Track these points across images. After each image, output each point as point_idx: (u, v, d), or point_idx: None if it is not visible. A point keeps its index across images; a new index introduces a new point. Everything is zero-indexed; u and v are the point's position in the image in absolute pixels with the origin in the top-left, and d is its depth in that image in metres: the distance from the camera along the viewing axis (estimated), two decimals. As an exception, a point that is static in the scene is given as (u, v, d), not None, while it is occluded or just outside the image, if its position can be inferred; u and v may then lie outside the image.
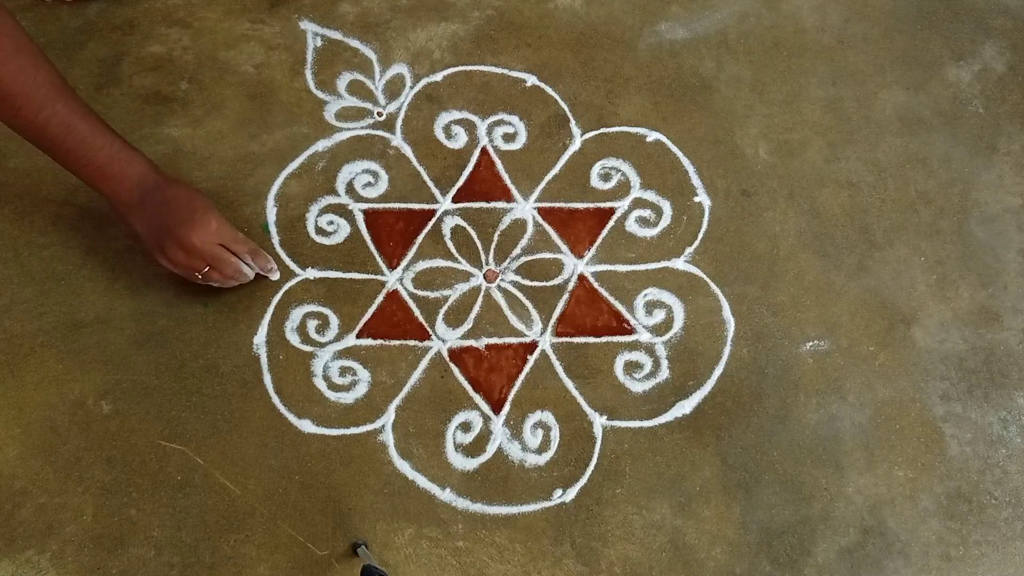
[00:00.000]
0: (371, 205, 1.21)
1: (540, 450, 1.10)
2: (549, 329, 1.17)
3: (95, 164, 0.93)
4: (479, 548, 1.05)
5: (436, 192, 1.23)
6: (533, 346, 1.16)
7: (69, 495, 1.02)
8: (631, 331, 1.17)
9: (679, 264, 1.22)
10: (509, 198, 1.24)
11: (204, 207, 1.03)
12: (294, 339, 1.13)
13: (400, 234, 1.20)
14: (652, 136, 1.29)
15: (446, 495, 1.07)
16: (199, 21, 1.30)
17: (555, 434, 1.11)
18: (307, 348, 1.12)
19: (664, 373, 1.15)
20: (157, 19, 1.29)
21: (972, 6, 1.44)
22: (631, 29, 1.36)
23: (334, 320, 1.14)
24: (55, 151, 0.92)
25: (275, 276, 1.15)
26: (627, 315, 1.18)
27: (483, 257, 1.20)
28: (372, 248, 1.19)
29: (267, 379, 1.10)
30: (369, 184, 1.23)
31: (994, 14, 1.44)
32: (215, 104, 1.25)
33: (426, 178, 1.24)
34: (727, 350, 1.17)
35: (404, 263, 1.19)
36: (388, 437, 1.09)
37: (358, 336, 1.14)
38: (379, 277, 1.18)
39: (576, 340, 1.16)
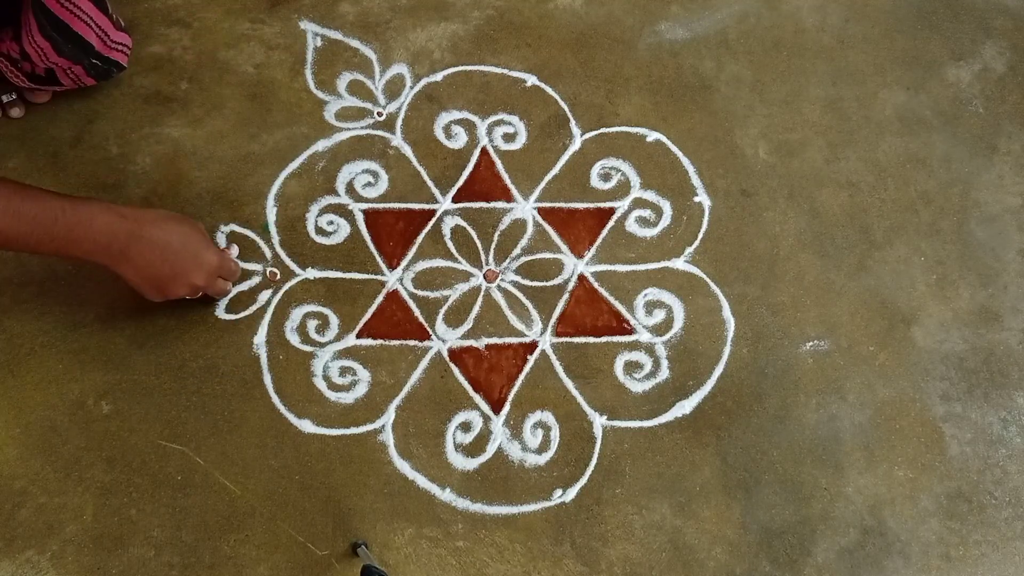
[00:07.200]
0: (371, 205, 1.21)
1: (540, 450, 1.10)
2: (549, 329, 1.17)
3: (58, 238, 0.85)
4: (479, 548, 1.05)
5: (436, 192, 1.23)
6: (533, 346, 1.16)
7: (69, 495, 1.02)
8: (631, 331, 1.17)
9: (679, 264, 1.22)
10: (509, 198, 1.24)
11: (199, 244, 1.00)
12: (294, 339, 1.13)
13: (400, 234, 1.20)
14: (652, 136, 1.29)
15: (446, 495, 1.07)
16: (199, 21, 1.30)
17: (555, 434, 1.11)
18: (307, 348, 1.12)
19: (664, 373, 1.15)
20: (157, 19, 1.29)
21: (972, 6, 1.44)
22: (631, 29, 1.36)
23: (334, 320, 1.14)
24: (11, 244, 0.83)
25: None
26: (627, 315, 1.18)
27: (483, 257, 1.20)
28: (372, 248, 1.19)
29: (267, 379, 1.10)
30: (369, 184, 1.23)
31: (994, 14, 1.43)
32: (215, 104, 1.25)
33: (426, 178, 1.24)
34: (727, 350, 1.17)
35: (404, 263, 1.19)
36: (388, 437, 1.09)
37: (358, 336, 1.14)
38: (379, 277, 1.17)
39: (576, 340, 1.16)
